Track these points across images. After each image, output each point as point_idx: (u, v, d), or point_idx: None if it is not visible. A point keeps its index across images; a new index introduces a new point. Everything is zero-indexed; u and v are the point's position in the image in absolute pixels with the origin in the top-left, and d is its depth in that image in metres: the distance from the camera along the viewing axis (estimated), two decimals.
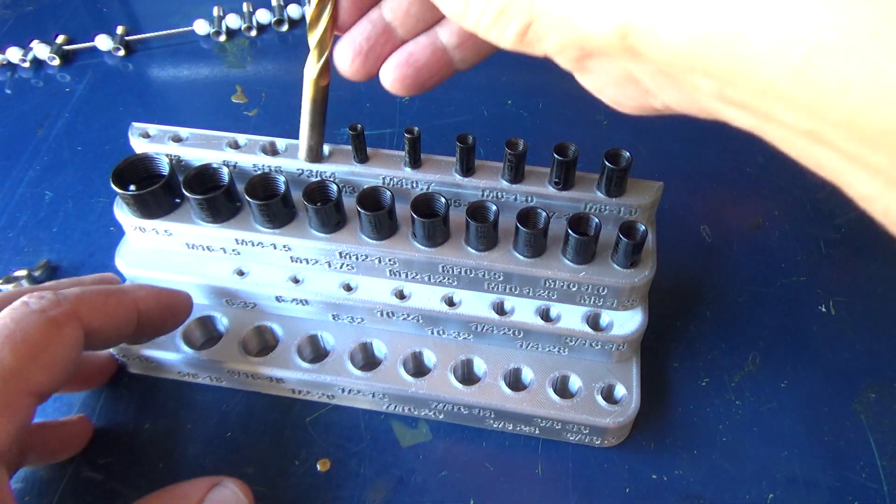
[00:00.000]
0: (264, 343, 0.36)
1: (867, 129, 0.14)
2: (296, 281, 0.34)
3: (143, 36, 0.60)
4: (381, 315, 0.34)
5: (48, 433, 0.31)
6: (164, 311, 0.31)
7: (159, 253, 0.35)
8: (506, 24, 0.20)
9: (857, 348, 0.38)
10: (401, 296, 0.34)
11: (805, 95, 0.15)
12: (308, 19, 0.26)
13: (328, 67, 0.28)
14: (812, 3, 0.14)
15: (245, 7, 0.62)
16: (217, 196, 0.32)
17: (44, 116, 0.52)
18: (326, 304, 0.34)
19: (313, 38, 0.27)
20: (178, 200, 0.34)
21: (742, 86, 0.16)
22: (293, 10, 0.60)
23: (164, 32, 0.60)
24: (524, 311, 0.33)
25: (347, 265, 0.33)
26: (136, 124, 0.36)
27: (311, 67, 0.28)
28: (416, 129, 0.32)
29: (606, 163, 0.31)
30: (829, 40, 0.14)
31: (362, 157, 0.34)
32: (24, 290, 0.28)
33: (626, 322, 0.32)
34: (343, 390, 0.34)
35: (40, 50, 0.57)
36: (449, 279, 0.33)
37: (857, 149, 0.15)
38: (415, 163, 0.33)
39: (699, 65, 0.16)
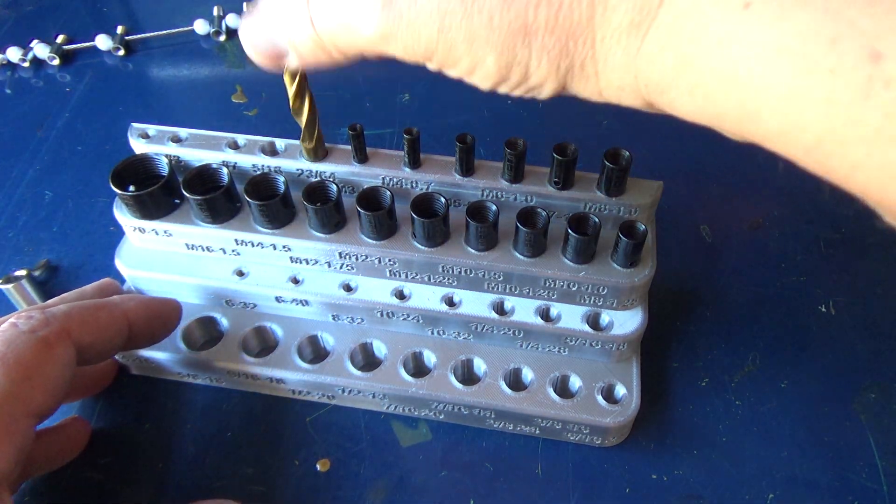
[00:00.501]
0: (264, 343, 0.36)
1: (877, 201, 0.16)
2: (296, 281, 0.34)
3: (143, 36, 0.60)
4: (381, 315, 0.34)
5: (46, 442, 0.31)
6: (154, 321, 0.31)
7: (159, 253, 0.35)
8: (539, 93, 0.22)
9: (857, 348, 0.38)
10: (401, 296, 0.34)
11: (817, 168, 0.16)
12: None
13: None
14: (818, 95, 0.15)
15: (245, 7, 0.62)
16: (217, 196, 0.32)
17: (44, 116, 0.52)
18: (326, 304, 0.34)
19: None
20: (177, 201, 0.34)
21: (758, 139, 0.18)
22: None
23: (164, 32, 0.60)
24: (524, 310, 0.33)
25: (347, 265, 0.33)
26: (135, 125, 0.36)
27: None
28: (416, 129, 0.32)
29: (606, 162, 0.31)
30: (837, 129, 0.15)
31: (362, 158, 0.34)
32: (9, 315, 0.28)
33: (626, 322, 0.32)
34: (343, 391, 0.34)
35: (40, 50, 0.57)
36: (449, 279, 0.33)
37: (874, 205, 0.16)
38: (414, 163, 0.33)
39: (714, 124, 0.19)
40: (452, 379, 0.33)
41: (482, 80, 0.21)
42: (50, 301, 0.32)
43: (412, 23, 0.20)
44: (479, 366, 0.34)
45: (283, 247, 0.33)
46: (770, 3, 0.15)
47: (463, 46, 0.19)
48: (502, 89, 0.21)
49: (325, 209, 0.31)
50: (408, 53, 0.21)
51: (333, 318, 0.35)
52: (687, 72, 0.17)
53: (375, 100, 0.54)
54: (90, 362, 0.29)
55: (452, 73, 0.21)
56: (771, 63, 0.15)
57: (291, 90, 0.30)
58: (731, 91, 0.16)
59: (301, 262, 0.34)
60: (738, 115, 0.17)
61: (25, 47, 0.57)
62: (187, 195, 0.32)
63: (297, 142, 0.34)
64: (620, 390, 0.33)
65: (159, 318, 0.31)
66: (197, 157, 0.35)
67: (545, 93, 0.21)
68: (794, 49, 0.15)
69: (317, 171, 0.34)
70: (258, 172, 0.34)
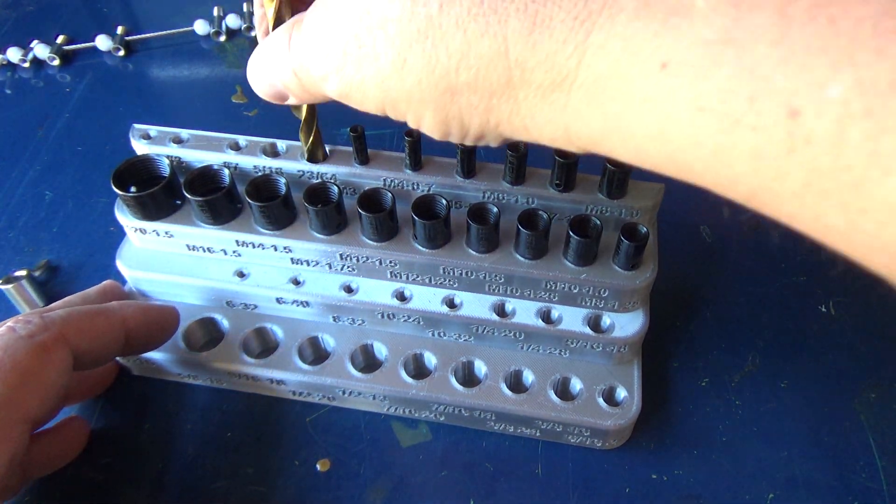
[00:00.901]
0: (265, 345, 0.36)
1: (825, 244, 0.16)
2: (296, 283, 0.34)
3: (143, 36, 0.60)
4: (382, 317, 0.34)
5: (44, 443, 0.31)
6: (151, 328, 0.31)
7: (160, 254, 0.35)
8: (487, 143, 0.23)
9: (857, 348, 0.38)
10: (402, 297, 0.34)
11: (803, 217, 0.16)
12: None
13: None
14: (744, 150, 0.15)
15: (245, 7, 0.62)
16: (218, 198, 0.32)
17: (44, 117, 0.52)
18: (327, 305, 0.34)
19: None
20: (178, 202, 0.34)
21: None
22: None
23: (164, 32, 0.60)
24: (525, 312, 0.33)
25: (348, 267, 0.33)
26: (136, 126, 0.36)
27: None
28: (417, 131, 0.32)
29: (607, 165, 0.31)
30: (767, 183, 0.15)
31: (363, 159, 0.34)
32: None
33: (628, 324, 0.32)
34: (343, 392, 0.34)
35: (40, 50, 0.57)
36: (450, 281, 0.33)
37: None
38: (416, 164, 0.33)
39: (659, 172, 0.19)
40: (453, 381, 0.33)
41: (429, 132, 0.22)
42: (52, 305, 0.32)
43: (360, 85, 0.21)
44: (480, 368, 0.34)
45: (284, 248, 0.33)
46: (687, 62, 0.15)
47: (404, 104, 0.21)
48: (452, 140, 0.23)
49: (327, 210, 0.31)
50: (365, 107, 0.23)
51: (334, 320, 0.35)
52: (615, 127, 0.18)
53: None
54: (87, 367, 0.29)
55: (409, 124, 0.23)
56: (695, 121, 0.15)
57: None
58: (661, 146, 0.17)
59: (302, 264, 0.34)
60: (673, 167, 0.18)
61: (25, 47, 0.57)
62: (188, 196, 0.32)
63: (298, 143, 0.34)
64: (621, 393, 0.33)
65: (157, 324, 0.32)
66: (198, 157, 0.35)
67: (492, 143, 0.23)
68: (715, 107, 0.15)
69: (318, 173, 0.34)
70: (259, 174, 0.34)
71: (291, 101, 0.27)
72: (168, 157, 0.34)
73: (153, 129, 0.36)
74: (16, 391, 0.24)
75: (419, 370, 0.35)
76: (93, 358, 0.28)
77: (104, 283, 0.36)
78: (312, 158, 0.34)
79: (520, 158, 0.31)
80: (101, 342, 0.28)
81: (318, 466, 0.33)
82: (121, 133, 0.47)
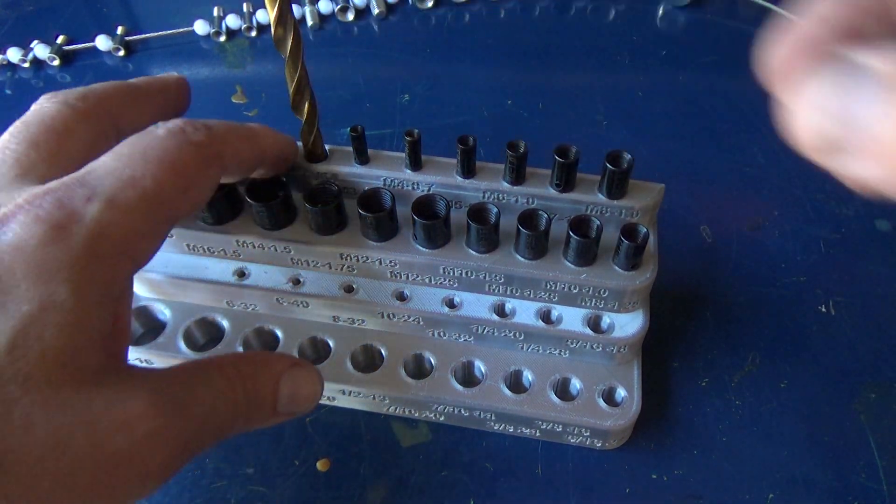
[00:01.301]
0: (265, 345, 0.36)
1: None
2: (296, 282, 0.34)
3: (143, 36, 0.60)
4: (383, 317, 0.34)
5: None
6: (279, 161, 0.31)
7: (160, 254, 0.35)
8: None
9: (857, 348, 0.38)
10: (401, 297, 0.34)
11: None
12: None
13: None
14: None
15: (245, 7, 0.62)
16: (218, 198, 0.32)
17: None
18: (327, 305, 0.34)
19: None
20: None
21: None
22: (295, 11, 0.60)
23: (164, 32, 0.60)
24: (525, 313, 0.33)
25: (348, 267, 0.33)
26: None
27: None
28: (417, 131, 0.32)
29: (608, 165, 0.31)
30: None
31: (363, 159, 0.34)
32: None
33: (628, 324, 0.32)
34: (343, 392, 0.34)
35: (40, 50, 0.57)
36: (450, 281, 0.33)
37: None
38: (415, 165, 0.33)
39: None
40: (453, 381, 0.33)
41: None
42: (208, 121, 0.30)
43: None
44: (480, 368, 0.34)
45: (284, 248, 0.33)
46: None
47: None
48: None
49: (326, 211, 0.31)
50: None
51: (334, 320, 0.35)
52: None
53: (375, 100, 0.54)
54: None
55: None
56: None
57: (292, 86, 0.30)
58: None
59: (302, 264, 0.34)
60: None
61: (25, 48, 0.57)
62: None
63: (298, 143, 0.34)
64: (621, 393, 0.33)
65: (283, 157, 0.32)
66: None
67: None
68: None
69: (318, 173, 0.34)
70: None
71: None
72: None
73: None
74: (179, 195, 0.24)
75: (419, 370, 0.35)
76: (230, 176, 0.29)
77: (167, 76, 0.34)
78: (313, 158, 0.34)
79: (520, 158, 0.31)
80: (244, 167, 0.29)
81: (318, 466, 0.33)
82: None
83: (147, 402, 0.21)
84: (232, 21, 0.60)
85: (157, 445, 0.21)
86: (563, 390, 0.34)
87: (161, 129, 0.24)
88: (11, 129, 0.26)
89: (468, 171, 0.33)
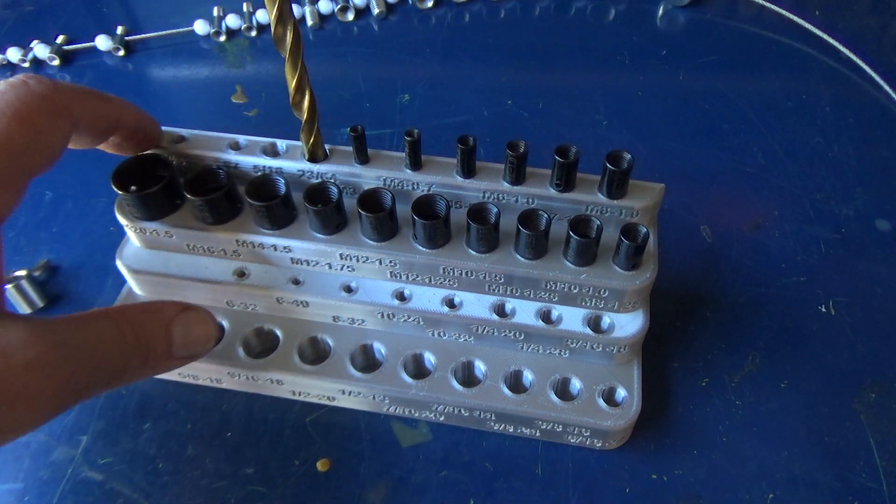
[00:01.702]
0: (264, 345, 0.36)
1: None
2: (296, 282, 0.34)
3: (143, 36, 0.60)
4: (382, 317, 0.34)
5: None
6: (138, 134, 0.32)
7: (160, 254, 0.35)
8: None
9: (857, 348, 0.38)
10: (401, 297, 0.34)
11: None
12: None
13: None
14: None
15: (245, 7, 0.62)
16: (218, 198, 0.32)
17: None
18: (327, 305, 0.34)
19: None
20: (178, 202, 0.34)
21: None
22: (295, 11, 0.60)
23: (164, 32, 0.60)
24: (525, 313, 0.33)
25: (348, 267, 0.33)
26: None
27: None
28: (416, 131, 0.32)
29: (608, 165, 0.31)
30: None
31: (363, 159, 0.34)
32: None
33: (628, 324, 0.32)
34: (343, 392, 0.34)
35: (40, 50, 0.57)
36: (450, 281, 0.33)
37: None
38: (415, 164, 0.33)
39: None
40: (453, 381, 0.33)
41: None
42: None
43: None
44: (480, 368, 0.34)
45: (284, 248, 0.33)
46: None
47: None
48: None
49: (326, 210, 0.31)
50: None
51: (334, 320, 0.35)
52: None
53: (375, 100, 0.54)
54: (74, 146, 0.30)
55: None
56: None
57: (292, 86, 0.30)
58: None
59: (302, 263, 0.34)
60: None
61: (25, 47, 0.57)
62: (188, 196, 0.32)
63: (298, 143, 0.34)
64: (621, 393, 0.33)
65: (147, 135, 0.33)
66: (198, 157, 0.35)
67: None
68: None
69: (318, 173, 0.34)
70: (259, 173, 0.34)
71: None
72: (168, 156, 0.34)
73: None
74: (27, 144, 0.25)
75: (419, 370, 0.35)
76: (83, 139, 0.29)
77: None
78: (313, 158, 0.34)
79: (520, 158, 0.31)
80: (97, 127, 0.29)
81: (318, 466, 0.33)
82: None
83: (26, 333, 0.22)
84: (232, 21, 0.60)
85: (39, 377, 0.22)
86: (563, 390, 0.34)
87: (2, 84, 0.26)
88: None
89: (468, 171, 0.33)
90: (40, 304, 0.40)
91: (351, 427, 0.35)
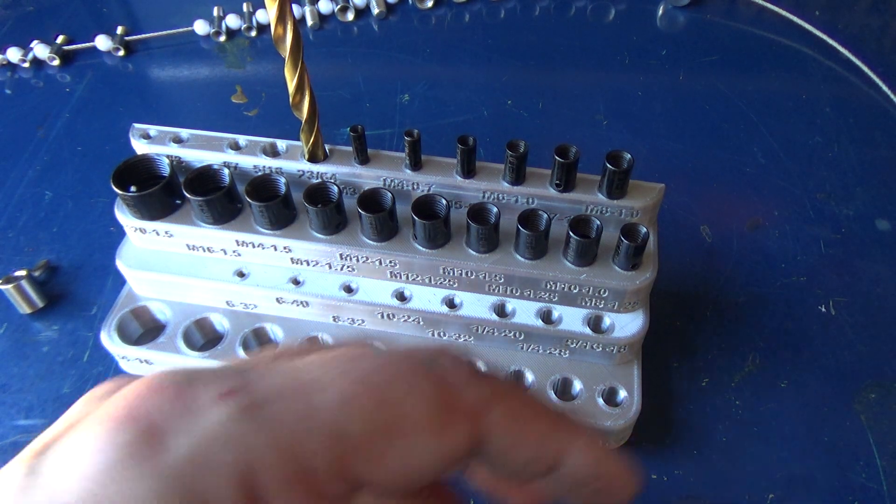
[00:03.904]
0: (264, 344, 0.36)
1: None
2: (296, 282, 0.34)
3: (143, 36, 0.60)
4: (382, 317, 0.34)
5: None
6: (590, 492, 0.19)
7: (160, 254, 0.35)
8: None
9: (857, 348, 0.38)
10: (401, 297, 0.34)
11: None
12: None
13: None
14: None
15: (245, 7, 0.62)
16: (218, 197, 0.32)
17: (44, 116, 0.52)
18: (327, 305, 0.34)
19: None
20: (178, 202, 0.34)
21: None
22: (295, 11, 0.60)
23: (164, 32, 0.60)
24: (525, 313, 0.33)
25: (348, 267, 0.33)
26: (136, 125, 0.36)
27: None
28: (416, 131, 0.32)
29: (608, 165, 0.31)
30: None
31: (363, 159, 0.34)
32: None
33: (628, 324, 0.32)
34: None
35: (40, 50, 0.57)
36: (450, 281, 0.33)
37: None
38: (415, 164, 0.33)
39: None
40: None
41: None
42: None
43: None
44: (480, 368, 0.34)
45: (284, 248, 0.33)
46: None
47: None
48: None
49: (326, 210, 0.31)
50: None
51: (334, 320, 0.35)
52: None
53: (375, 100, 0.54)
54: None
55: None
56: None
57: (292, 86, 0.30)
58: None
59: (302, 263, 0.34)
60: None
61: (25, 47, 0.57)
62: (188, 196, 0.32)
63: (298, 143, 0.34)
64: (621, 393, 0.33)
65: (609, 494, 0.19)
66: (198, 157, 0.35)
67: None
68: None
69: (318, 173, 0.34)
70: (259, 173, 0.34)
71: None
72: (168, 156, 0.34)
73: (153, 129, 0.36)
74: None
75: None
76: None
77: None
78: (313, 158, 0.34)
79: (520, 158, 0.31)
80: (515, 462, 0.17)
81: None
82: (120, 133, 0.47)
83: None
84: (232, 21, 0.60)
85: None
86: (563, 390, 0.34)
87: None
88: None
89: (468, 171, 0.33)
90: (40, 304, 0.40)
91: None
